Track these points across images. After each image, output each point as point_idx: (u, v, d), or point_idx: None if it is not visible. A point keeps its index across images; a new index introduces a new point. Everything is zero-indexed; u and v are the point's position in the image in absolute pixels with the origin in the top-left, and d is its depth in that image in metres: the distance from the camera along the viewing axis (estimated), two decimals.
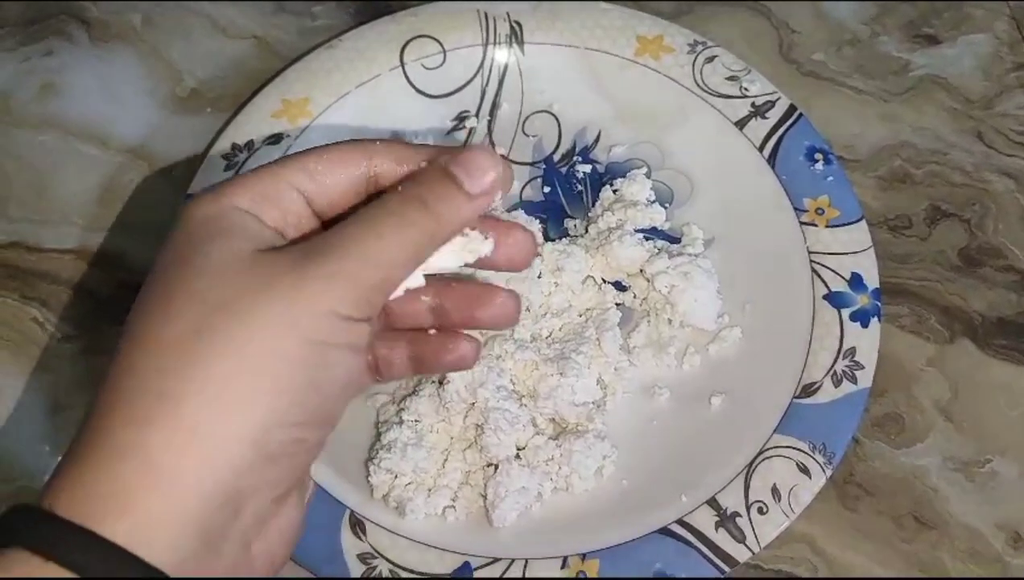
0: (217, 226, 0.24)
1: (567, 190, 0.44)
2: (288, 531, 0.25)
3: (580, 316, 0.40)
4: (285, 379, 0.22)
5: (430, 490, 0.36)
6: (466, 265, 0.27)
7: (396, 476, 0.36)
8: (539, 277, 0.40)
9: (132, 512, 0.21)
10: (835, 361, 0.38)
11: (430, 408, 0.37)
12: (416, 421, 0.37)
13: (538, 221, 0.43)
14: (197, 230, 0.24)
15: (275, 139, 0.44)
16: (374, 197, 0.26)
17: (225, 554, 0.22)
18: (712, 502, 0.36)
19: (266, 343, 0.22)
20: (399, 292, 0.26)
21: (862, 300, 0.40)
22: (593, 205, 0.44)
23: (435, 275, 0.27)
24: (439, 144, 0.37)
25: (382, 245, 0.24)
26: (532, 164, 0.45)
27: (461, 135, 0.46)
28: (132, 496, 0.21)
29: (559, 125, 0.46)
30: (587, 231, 0.43)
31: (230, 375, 0.22)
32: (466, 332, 0.29)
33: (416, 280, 0.26)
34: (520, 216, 0.42)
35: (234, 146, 0.43)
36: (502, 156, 0.26)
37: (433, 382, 0.38)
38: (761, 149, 0.44)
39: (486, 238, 0.27)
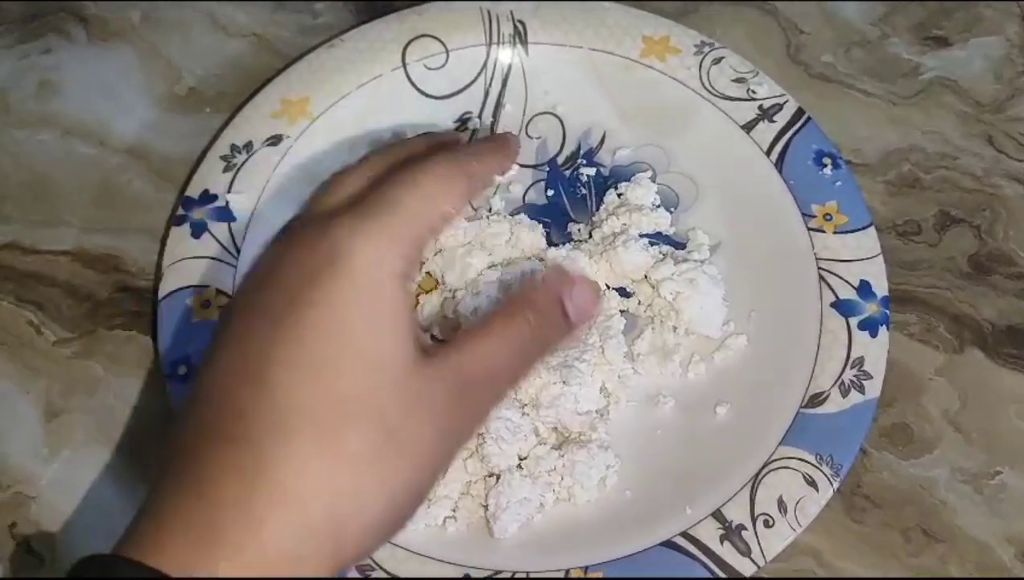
0: (386, 307, 0.25)
1: (571, 194, 0.44)
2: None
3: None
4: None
5: (430, 500, 0.36)
6: None
7: None
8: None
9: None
10: (843, 370, 0.38)
11: None
12: None
13: (542, 226, 0.42)
14: (364, 301, 0.24)
15: (274, 140, 0.43)
16: None
17: None
18: (717, 514, 0.35)
19: (433, 471, 0.25)
20: None
21: (871, 308, 0.39)
22: (597, 209, 0.43)
23: None
24: (501, 136, 0.35)
25: (499, 366, 0.27)
26: (535, 167, 0.44)
27: (463, 137, 0.45)
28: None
29: (563, 127, 0.45)
30: (591, 236, 0.42)
31: (390, 515, 0.24)
32: None
33: None
34: (524, 220, 0.42)
35: (232, 147, 0.43)
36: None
37: None
38: (768, 153, 0.43)
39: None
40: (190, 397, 0.25)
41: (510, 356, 0.27)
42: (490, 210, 0.43)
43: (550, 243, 0.42)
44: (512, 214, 0.43)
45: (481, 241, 0.41)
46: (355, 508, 0.23)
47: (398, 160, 0.29)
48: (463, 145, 0.30)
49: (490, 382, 0.26)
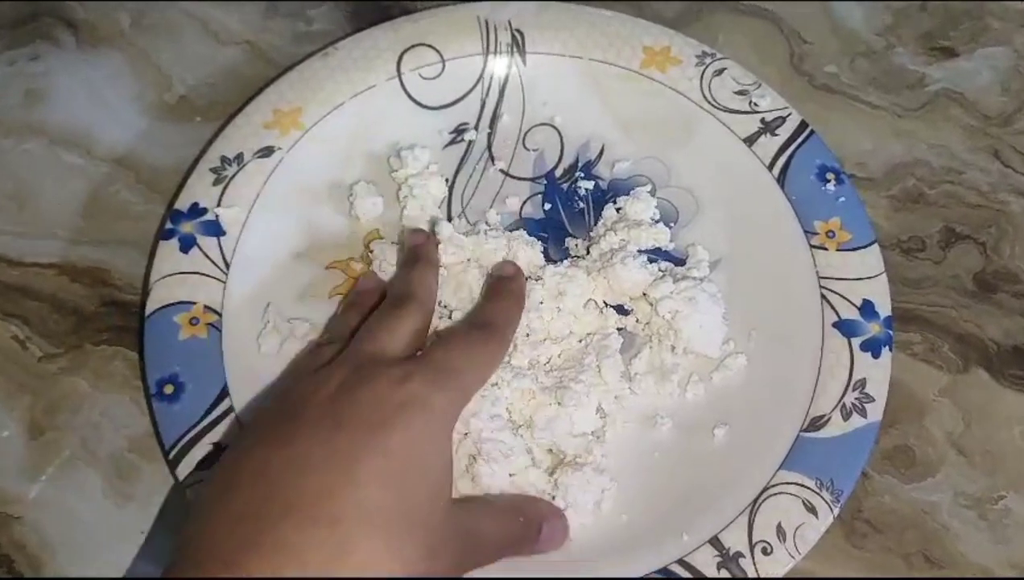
0: (448, 449, 0.32)
1: (568, 208, 0.43)
2: None
3: (580, 341, 0.39)
4: None
5: None
6: None
7: None
8: (540, 303, 0.39)
9: None
10: (844, 393, 0.37)
11: None
12: None
13: (541, 243, 0.41)
14: (439, 437, 0.31)
15: (266, 152, 0.42)
16: None
17: None
18: (714, 541, 0.34)
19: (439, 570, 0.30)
20: None
21: (873, 329, 0.38)
22: (595, 224, 0.42)
23: None
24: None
25: (491, 541, 0.33)
26: (533, 180, 0.44)
27: (460, 148, 0.44)
28: None
29: (561, 139, 0.44)
30: (589, 251, 0.41)
31: None
32: None
33: None
34: (522, 236, 0.41)
35: (223, 159, 0.42)
36: None
37: None
38: (770, 167, 0.42)
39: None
40: (254, 469, 0.29)
41: (499, 541, 0.33)
42: (488, 225, 0.42)
43: (548, 259, 0.41)
44: (509, 228, 0.42)
45: (478, 258, 0.40)
46: None
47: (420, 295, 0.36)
48: (495, 303, 0.37)
49: (481, 548, 0.32)
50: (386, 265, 0.40)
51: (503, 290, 0.38)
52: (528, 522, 0.34)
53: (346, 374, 0.31)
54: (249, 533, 0.27)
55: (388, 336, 0.34)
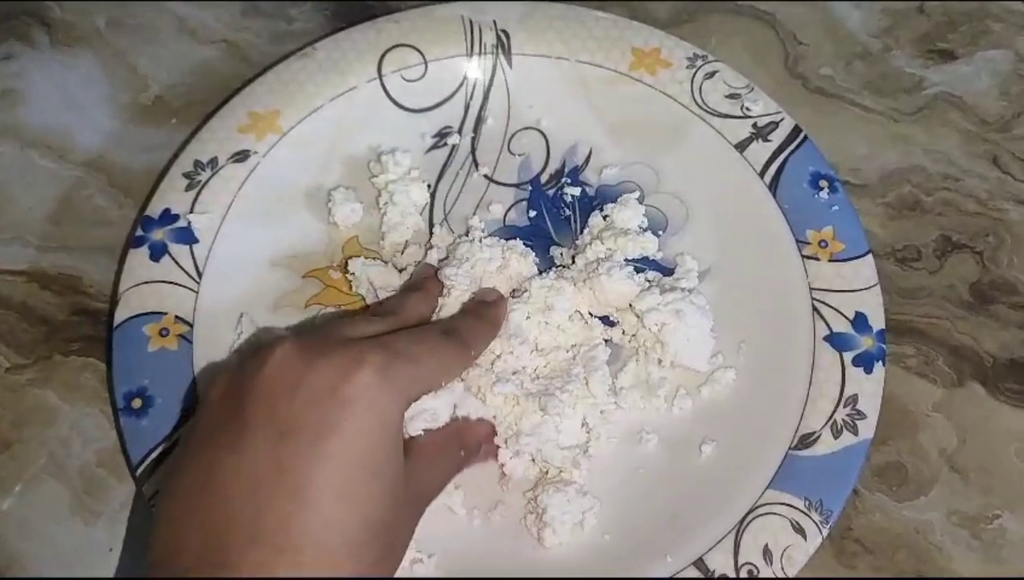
0: (395, 440, 0.30)
1: (554, 215, 0.42)
2: None
3: (567, 352, 0.38)
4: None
5: None
6: None
7: None
8: (527, 318, 0.37)
9: None
10: (835, 409, 0.36)
11: None
12: None
13: (532, 252, 0.40)
14: (385, 432, 0.29)
15: (241, 156, 0.41)
16: None
17: None
18: (699, 563, 0.33)
19: (400, 557, 0.31)
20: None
21: (866, 343, 0.37)
22: (581, 232, 0.41)
23: None
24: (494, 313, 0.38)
25: (438, 484, 0.34)
26: (517, 185, 0.42)
27: (443, 153, 0.43)
28: None
29: (547, 143, 0.43)
30: (574, 261, 0.40)
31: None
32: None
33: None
34: (516, 246, 0.39)
35: (196, 163, 0.41)
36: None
37: None
38: (762, 174, 0.41)
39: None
40: (209, 487, 0.28)
41: (445, 480, 0.34)
42: (482, 233, 0.41)
43: None
44: (492, 235, 0.40)
45: (471, 268, 0.38)
46: None
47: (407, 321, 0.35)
48: (468, 319, 0.36)
49: (432, 494, 0.33)
50: (369, 286, 0.39)
51: (481, 312, 0.37)
52: (468, 448, 0.34)
53: (292, 355, 0.29)
54: (218, 559, 0.27)
55: (351, 329, 0.32)
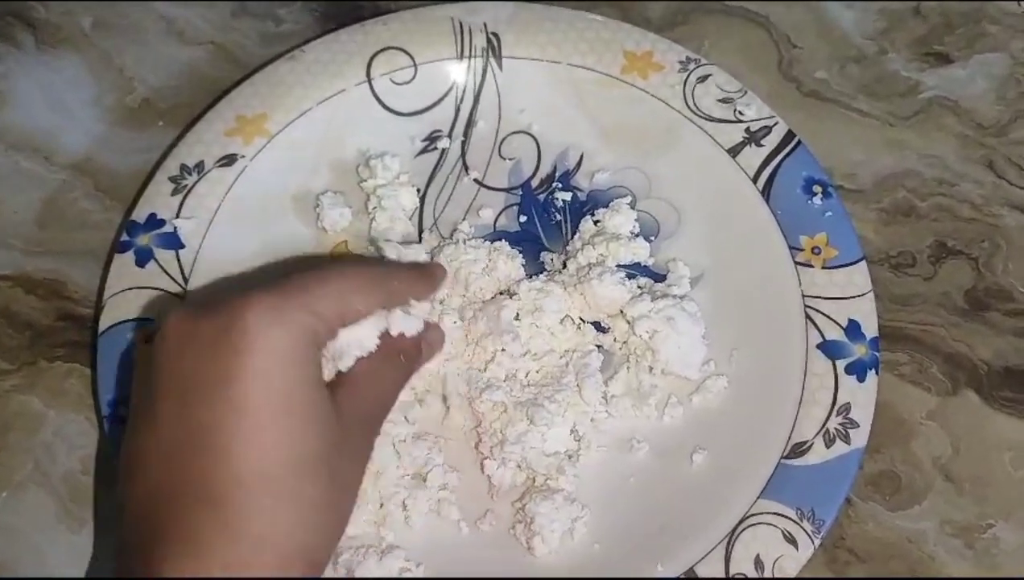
0: (307, 376, 0.29)
1: (545, 220, 0.41)
2: None
3: (560, 358, 0.37)
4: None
5: (383, 552, 0.33)
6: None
7: None
8: (516, 319, 0.37)
9: None
10: (828, 418, 0.35)
11: None
12: None
13: (520, 254, 0.39)
14: (289, 376, 0.28)
15: (228, 160, 0.40)
16: None
17: None
18: (690, 573, 0.33)
19: (355, 489, 0.31)
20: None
21: (859, 351, 0.37)
22: (572, 237, 0.41)
23: None
24: (430, 266, 0.38)
25: (385, 399, 0.33)
26: (508, 190, 0.42)
27: (432, 157, 0.43)
28: None
29: (538, 147, 0.43)
30: (565, 266, 0.40)
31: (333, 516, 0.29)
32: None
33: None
34: (503, 248, 0.39)
35: (183, 167, 0.40)
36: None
37: None
38: (755, 180, 0.40)
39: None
40: (138, 463, 0.28)
41: (392, 392, 0.33)
42: (465, 234, 0.40)
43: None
44: (484, 239, 0.40)
45: (456, 270, 0.38)
46: (321, 537, 0.28)
47: None
48: (391, 263, 0.36)
49: (381, 412, 0.32)
50: None
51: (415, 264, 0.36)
52: (407, 351, 0.33)
53: (183, 317, 0.29)
54: (151, 529, 0.27)
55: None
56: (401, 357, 0.33)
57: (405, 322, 0.33)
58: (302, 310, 0.29)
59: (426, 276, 0.35)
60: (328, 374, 0.31)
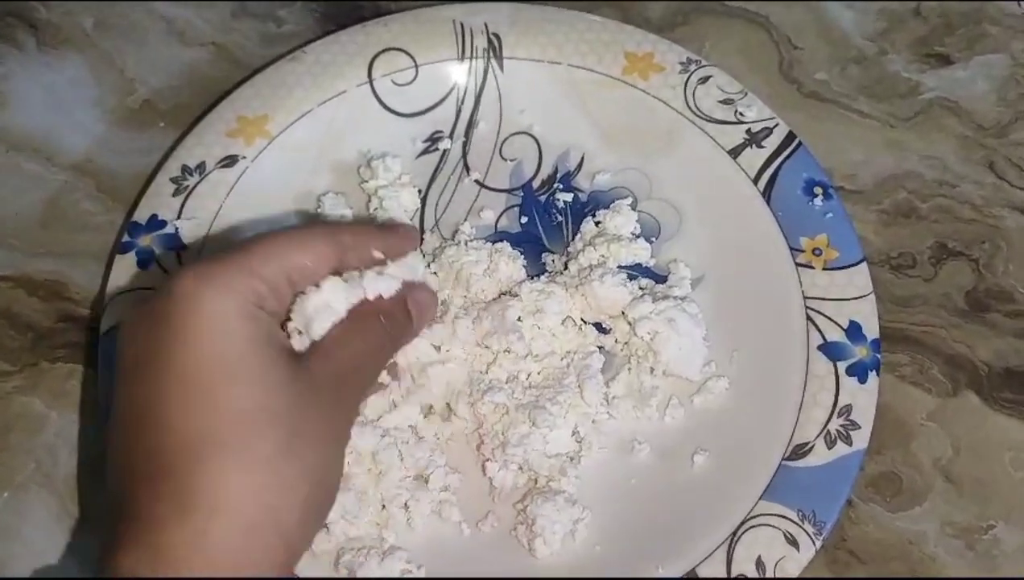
0: (247, 332, 0.27)
1: (546, 221, 0.41)
2: None
3: (562, 359, 0.37)
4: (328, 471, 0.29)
5: (384, 553, 0.33)
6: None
7: (327, 528, 0.33)
8: (518, 321, 0.37)
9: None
10: (829, 419, 0.35)
11: (365, 447, 0.34)
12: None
13: (522, 255, 0.39)
14: (226, 335, 0.27)
15: (229, 161, 0.40)
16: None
17: None
18: (692, 575, 0.33)
19: (325, 474, 0.28)
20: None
21: (860, 352, 0.37)
22: (573, 238, 0.41)
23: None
24: (395, 223, 0.38)
25: (374, 370, 0.32)
26: (509, 191, 0.42)
27: (433, 158, 0.43)
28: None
29: (539, 148, 0.43)
30: (567, 267, 0.40)
31: (315, 487, 0.28)
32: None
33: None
34: (504, 249, 0.39)
35: (184, 169, 0.40)
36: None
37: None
38: (756, 181, 0.40)
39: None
40: (109, 447, 0.28)
41: (370, 354, 0.31)
42: (471, 236, 0.40)
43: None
44: (486, 241, 0.40)
45: (457, 271, 0.38)
46: (285, 498, 0.27)
47: None
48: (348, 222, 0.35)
49: (358, 375, 0.31)
50: None
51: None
52: (390, 313, 0.31)
53: (133, 305, 0.30)
54: (114, 515, 0.27)
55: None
56: (381, 318, 0.31)
57: (378, 283, 0.31)
58: (239, 272, 0.28)
59: (388, 231, 0.33)
60: (301, 346, 0.30)
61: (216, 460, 0.26)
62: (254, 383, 0.27)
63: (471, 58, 0.43)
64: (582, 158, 0.42)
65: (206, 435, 0.26)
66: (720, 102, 0.42)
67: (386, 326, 0.31)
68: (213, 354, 0.27)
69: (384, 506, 0.34)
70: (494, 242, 0.40)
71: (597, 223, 0.41)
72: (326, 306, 0.30)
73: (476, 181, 0.42)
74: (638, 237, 0.40)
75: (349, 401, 0.30)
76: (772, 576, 0.33)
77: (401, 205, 0.41)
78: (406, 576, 0.33)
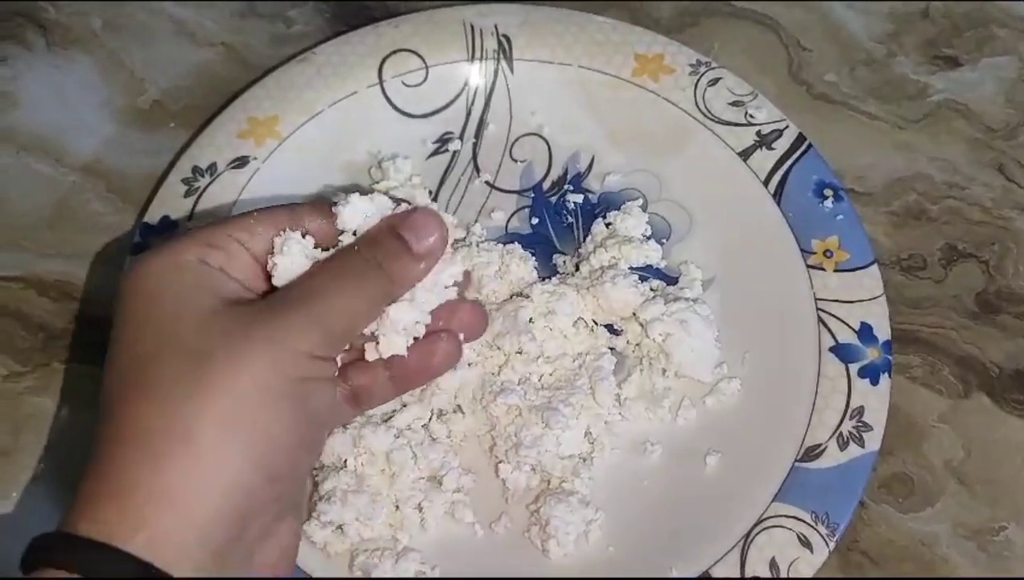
0: (181, 280, 0.27)
1: (556, 222, 0.41)
2: (289, 548, 0.29)
3: (574, 361, 0.37)
4: (275, 409, 0.26)
5: (398, 554, 0.33)
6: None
7: (341, 529, 0.33)
8: (530, 322, 0.37)
9: (145, 529, 0.24)
10: (841, 421, 0.35)
11: (379, 447, 0.34)
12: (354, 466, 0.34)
13: (533, 257, 0.39)
14: (160, 286, 0.27)
15: (240, 162, 0.40)
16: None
17: (230, 565, 0.26)
18: (706, 576, 0.33)
19: (255, 381, 0.26)
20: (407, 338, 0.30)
21: (872, 354, 0.37)
22: (584, 239, 0.41)
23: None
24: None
25: (345, 300, 0.28)
26: (520, 193, 0.42)
27: (444, 159, 0.43)
28: (146, 518, 0.24)
29: (549, 149, 0.43)
30: (578, 268, 0.40)
31: (227, 412, 0.26)
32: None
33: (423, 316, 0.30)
34: (516, 250, 0.39)
35: (195, 169, 0.40)
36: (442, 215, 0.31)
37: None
38: (766, 183, 0.40)
39: (455, 262, 0.31)
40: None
41: (362, 300, 0.29)
42: (481, 237, 0.40)
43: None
44: (497, 242, 0.40)
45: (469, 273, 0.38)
46: (178, 415, 0.26)
47: None
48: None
49: (351, 329, 0.29)
50: None
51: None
52: (374, 243, 0.29)
53: None
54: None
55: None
56: (356, 247, 0.29)
57: (355, 208, 0.29)
58: (186, 240, 0.28)
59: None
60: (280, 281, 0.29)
61: (131, 393, 0.26)
62: (164, 319, 0.27)
63: (481, 59, 0.43)
64: (592, 159, 0.42)
65: (124, 372, 0.26)
66: (730, 104, 0.42)
67: (365, 254, 0.29)
68: (157, 307, 0.27)
69: (398, 507, 0.34)
70: (505, 243, 0.40)
71: (608, 224, 0.41)
72: (293, 239, 0.29)
73: (486, 182, 0.42)
74: (649, 238, 0.40)
75: (311, 327, 0.27)
76: (786, 577, 0.33)
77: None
78: (421, 577, 0.33)
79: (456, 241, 0.32)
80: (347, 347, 0.31)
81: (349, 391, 0.31)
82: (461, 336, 0.32)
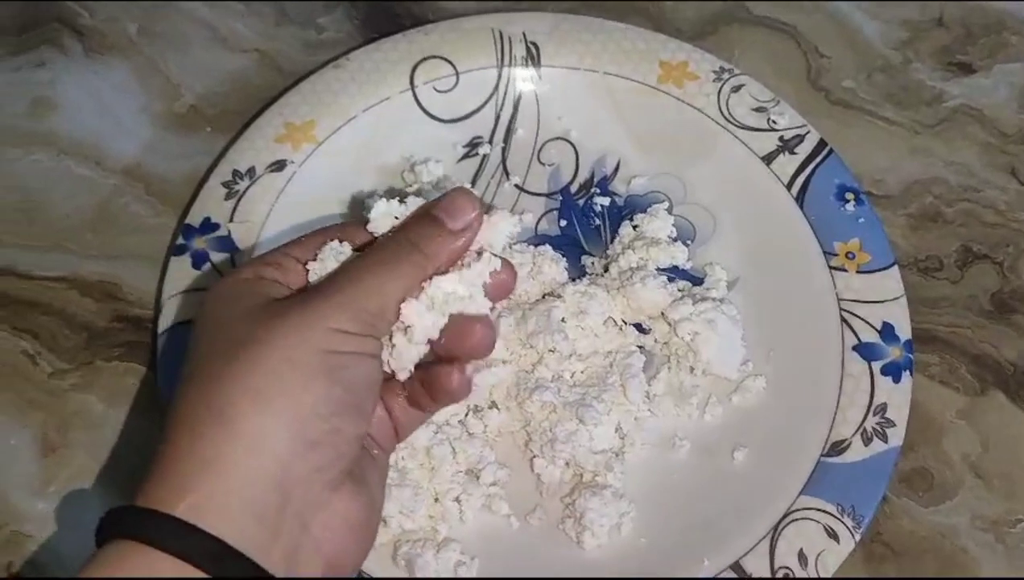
0: (238, 290, 0.30)
1: (584, 224, 0.42)
2: (354, 521, 0.29)
3: (604, 358, 0.39)
4: (305, 381, 0.27)
5: (439, 545, 0.35)
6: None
7: (384, 521, 0.34)
8: (562, 321, 0.38)
9: (189, 496, 0.26)
10: (865, 418, 0.37)
11: (419, 443, 0.35)
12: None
13: (564, 258, 0.40)
14: (219, 296, 0.30)
15: (278, 165, 0.42)
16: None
17: (283, 532, 0.27)
18: (736, 567, 0.34)
19: (284, 355, 0.27)
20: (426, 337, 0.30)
21: (894, 353, 0.38)
22: (612, 241, 0.42)
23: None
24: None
25: (377, 279, 0.29)
26: (548, 195, 0.43)
27: (474, 162, 0.44)
28: (189, 486, 0.26)
29: (576, 154, 0.44)
30: (607, 269, 0.41)
31: (259, 385, 0.27)
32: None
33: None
34: (547, 252, 0.40)
35: (235, 173, 0.41)
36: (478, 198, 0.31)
37: None
38: (789, 187, 0.42)
39: (491, 257, 0.31)
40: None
41: (394, 277, 0.29)
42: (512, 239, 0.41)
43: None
44: (527, 243, 0.41)
45: None
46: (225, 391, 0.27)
47: None
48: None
49: (384, 306, 0.29)
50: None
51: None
52: (407, 227, 0.30)
53: None
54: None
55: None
56: (420, 253, 0.30)
57: (386, 210, 0.31)
58: (245, 263, 0.32)
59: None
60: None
61: (185, 381, 0.28)
62: (219, 320, 0.29)
63: (510, 66, 0.44)
64: (618, 163, 0.44)
65: (185, 368, 0.28)
66: (753, 110, 0.43)
67: (399, 237, 0.30)
68: (209, 308, 0.30)
69: (437, 499, 0.35)
70: (535, 245, 0.41)
71: (635, 227, 0.42)
72: (330, 246, 0.31)
73: (515, 185, 0.43)
74: (675, 240, 0.41)
75: (342, 306, 0.28)
76: (815, 567, 0.34)
77: None
78: (460, 567, 0.34)
79: (510, 240, 0.32)
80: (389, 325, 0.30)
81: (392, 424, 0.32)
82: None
